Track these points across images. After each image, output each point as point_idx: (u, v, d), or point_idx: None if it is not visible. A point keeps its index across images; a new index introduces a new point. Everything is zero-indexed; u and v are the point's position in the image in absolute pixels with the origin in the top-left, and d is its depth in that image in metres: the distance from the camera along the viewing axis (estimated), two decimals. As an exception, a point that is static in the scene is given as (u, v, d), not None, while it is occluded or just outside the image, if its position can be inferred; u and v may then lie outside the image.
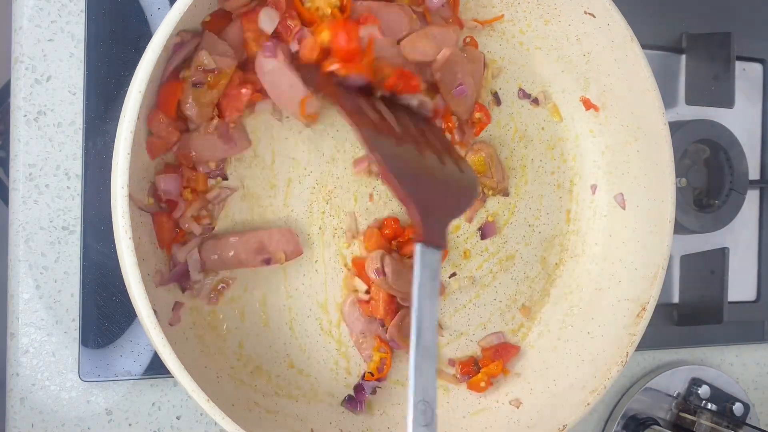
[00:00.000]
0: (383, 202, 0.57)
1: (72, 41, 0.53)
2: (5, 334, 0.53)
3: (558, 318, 0.61)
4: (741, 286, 0.75)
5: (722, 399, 0.71)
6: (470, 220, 0.60)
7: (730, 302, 0.70)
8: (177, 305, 0.50)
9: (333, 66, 0.47)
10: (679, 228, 0.69)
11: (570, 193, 0.62)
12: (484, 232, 0.60)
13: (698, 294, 0.71)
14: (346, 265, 0.56)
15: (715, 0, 0.74)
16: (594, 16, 0.54)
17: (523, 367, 0.60)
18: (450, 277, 0.59)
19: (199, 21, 0.48)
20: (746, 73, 0.75)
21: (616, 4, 0.53)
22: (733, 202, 0.71)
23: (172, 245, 0.49)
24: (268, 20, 0.48)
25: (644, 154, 0.58)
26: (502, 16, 0.58)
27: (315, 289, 0.55)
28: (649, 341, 0.61)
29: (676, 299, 0.72)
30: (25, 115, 0.52)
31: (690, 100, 0.72)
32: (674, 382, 0.70)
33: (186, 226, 0.50)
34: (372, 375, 0.55)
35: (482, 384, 0.58)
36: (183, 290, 0.50)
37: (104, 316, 0.53)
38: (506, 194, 0.60)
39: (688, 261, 0.72)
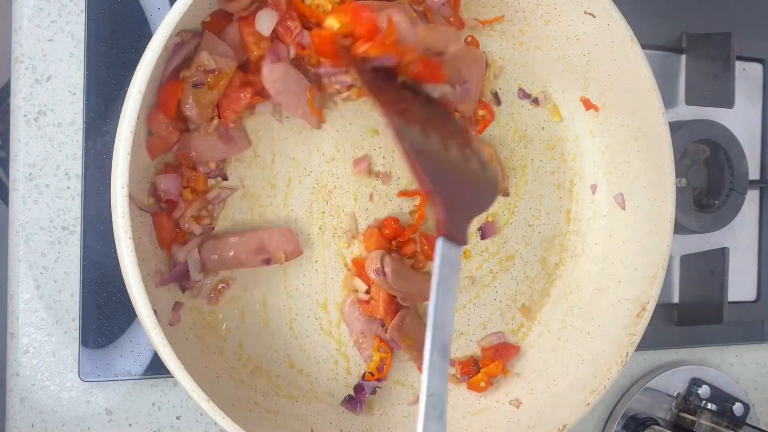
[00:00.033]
0: (383, 202, 0.57)
1: (72, 41, 0.53)
2: (5, 334, 0.53)
3: (558, 318, 0.61)
4: (741, 286, 0.75)
5: (722, 399, 0.71)
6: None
7: (730, 302, 0.70)
8: (177, 305, 0.50)
9: (363, 47, 0.46)
10: (679, 228, 0.69)
11: (570, 193, 0.62)
12: (484, 232, 0.60)
13: (698, 294, 0.71)
14: (346, 265, 0.56)
15: (715, 0, 0.74)
16: (594, 16, 0.54)
17: (523, 367, 0.60)
18: (450, 277, 0.59)
19: (199, 21, 0.48)
20: (746, 73, 0.75)
21: (616, 4, 0.53)
22: (733, 202, 0.71)
23: (172, 245, 0.49)
24: (265, 23, 0.48)
25: (644, 154, 0.57)
26: (503, 16, 0.58)
27: (315, 289, 0.55)
28: (649, 341, 0.60)
29: (676, 299, 0.72)
30: (25, 115, 0.52)
31: (690, 100, 0.72)
32: (674, 382, 0.70)
33: (186, 226, 0.50)
34: (372, 375, 0.55)
35: (482, 384, 0.58)
36: (183, 290, 0.50)
37: (104, 316, 0.53)
38: (506, 194, 0.60)
39: (688, 261, 0.72)
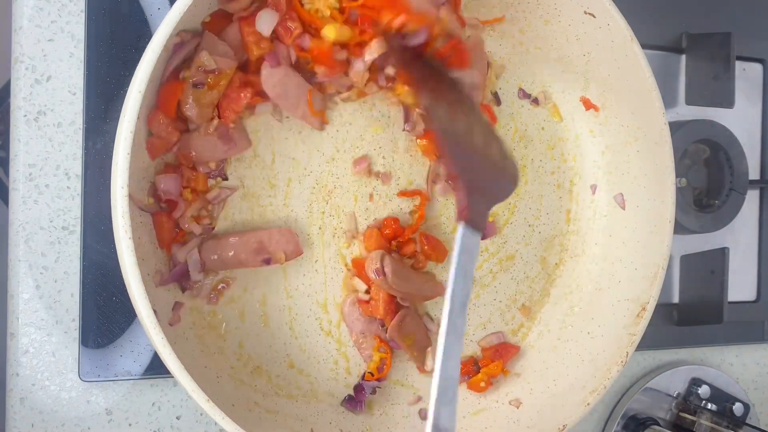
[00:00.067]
0: (383, 202, 0.57)
1: (72, 41, 0.53)
2: (5, 334, 0.53)
3: (558, 318, 0.61)
4: (741, 286, 0.75)
5: (722, 399, 0.71)
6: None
7: (730, 302, 0.70)
8: (177, 305, 0.50)
9: (399, 20, 0.47)
10: (679, 228, 0.69)
11: (570, 193, 0.62)
12: (484, 232, 0.60)
13: (698, 294, 0.71)
14: (346, 265, 0.56)
15: (715, 0, 0.74)
16: (594, 16, 0.54)
17: (523, 367, 0.60)
18: (450, 277, 0.59)
19: (199, 21, 0.48)
20: (746, 73, 0.75)
21: (616, 4, 0.53)
22: (733, 202, 0.71)
23: (172, 245, 0.49)
24: (265, 23, 0.48)
25: (644, 154, 0.57)
26: (503, 17, 0.58)
27: (315, 289, 0.55)
28: (649, 341, 0.60)
29: (676, 299, 0.72)
30: (25, 115, 0.52)
31: (690, 100, 0.72)
32: (674, 382, 0.70)
33: (186, 226, 0.50)
34: (372, 375, 0.55)
35: (482, 384, 0.58)
36: (183, 290, 0.50)
37: (104, 316, 0.53)
38: (506, 194, 0.60)
39: (688, 261, 0.72)
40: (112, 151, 0.43)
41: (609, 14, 0.53)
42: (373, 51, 0.50)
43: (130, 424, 0.55)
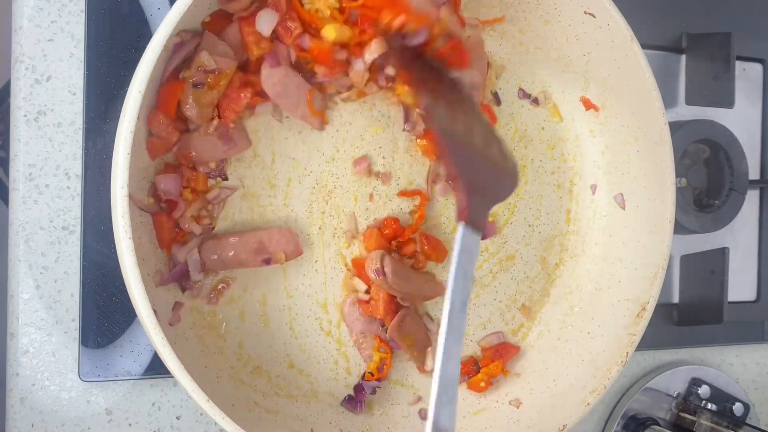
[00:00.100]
0: (383, 202, 0.57)
1: (72, 41, 0.53)
2: (5, 334, 0.53)
3: (558, 318, 0.61)
4: (741, 286, 0.75)
5: (722, 399, 0.71)
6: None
7: (730, 302, 0.70)
8: (177, 305, 0.50)
9: (399, 20, 0.47)
10: (679, 228, 0.69)
11: (570, 193, 0.62)
12: (484, 232, 0.60)
13: (698, 294, 0.71)
14: (346, 265, 0.56)
15: (715, 0, 0.74)
16: (594, 16, 0.54)
17: (523, 367, 0.60)
18: (450, 277, 0.59)
19: (199, 21, 0.48)
20: (746, 73, 0.75)
21: (616, 4, 0.53)
22: (733, 202, 0.71)
23: (172, 245, 0.49)
24: (265, 23, 0.48)
25: (644, 154, 0.57)
26: (503, 17, 0.58)
27: (315, 289, 0.55)
28: (649, 341, 0.60)
29: (676, 299, 0.72)
30: (25, 115, 0.52)
31: (690, 100, 0.72)
32: (674, 382, 0.70)
33: (186, 226, 0.50)
34: (372, 375, 0.55)
35: (482, 384, 0.58)
36: (183, 290, 0.50)
37: (104, 316, 0.53)
38: (506, 194, 0.60)
39: (688, 261, 0.72)
40: (112, 151, 0.43)
41: (609, 14, 0.53)
42: (373, 51, 0.50)
43: (130, 424, 0.55)
